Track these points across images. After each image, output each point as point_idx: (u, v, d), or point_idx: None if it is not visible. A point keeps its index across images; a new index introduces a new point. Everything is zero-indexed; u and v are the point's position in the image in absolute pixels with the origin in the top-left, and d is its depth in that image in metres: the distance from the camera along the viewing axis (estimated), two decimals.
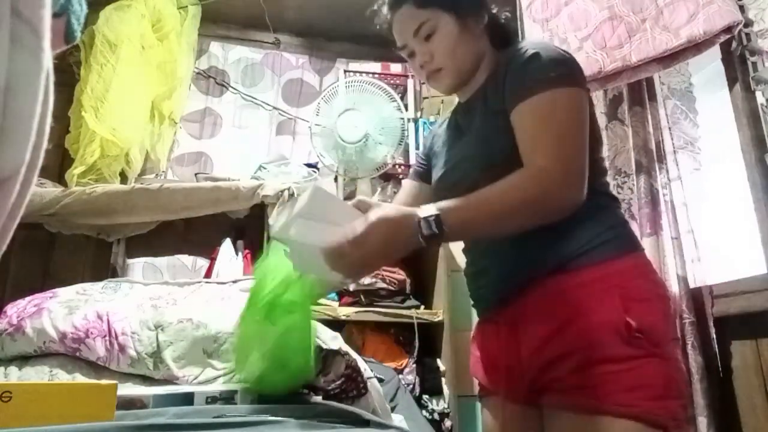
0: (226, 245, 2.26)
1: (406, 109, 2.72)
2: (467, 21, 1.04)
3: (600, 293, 0.89)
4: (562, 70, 0.92)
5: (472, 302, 1.12)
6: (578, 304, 0.89)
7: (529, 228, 0.89)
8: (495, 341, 1.03)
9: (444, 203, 0.86)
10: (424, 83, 2.82)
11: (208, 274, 2.21)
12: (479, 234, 0.94)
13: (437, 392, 2.20)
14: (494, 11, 1.10)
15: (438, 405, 2.15)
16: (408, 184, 1.24)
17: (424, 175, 1.21)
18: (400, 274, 2.34)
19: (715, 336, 1.62)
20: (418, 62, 1.07)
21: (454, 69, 1.05)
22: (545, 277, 0.93)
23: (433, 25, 1.02)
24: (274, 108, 2.97)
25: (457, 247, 2.41)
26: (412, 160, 2.54)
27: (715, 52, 1.71)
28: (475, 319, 1.15)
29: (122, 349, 1.52)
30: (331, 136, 2.46)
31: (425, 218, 0.83)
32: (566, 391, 0.88)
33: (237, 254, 2.27)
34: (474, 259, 1.09)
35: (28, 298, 1.66)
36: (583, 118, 0.92)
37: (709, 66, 1.86)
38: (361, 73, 2.69)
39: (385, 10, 1.13)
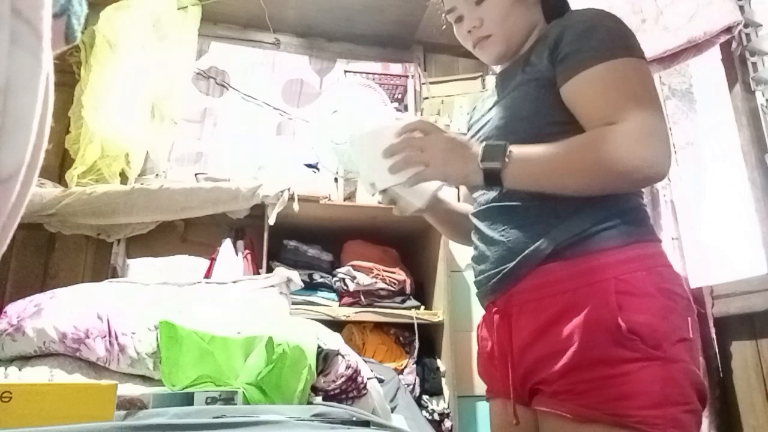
0: (226, 245, 2.26)
1: (406, 109, 2.73)
2: None
3: (593, 286, 0.81)
4: (628, 40, 0.88)
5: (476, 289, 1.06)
6: (570, 297, 0.82)
7: (595, 192, 0.83)
8: (491, 332, 0.97)
9: (513, 145, 0.85)
10: (424, 83, 2.84)
11: (208, 275, 2.21)
12: (541, 183, 0.85)
13: (437, 392, 2.20)
14: None
15: (438, 405, 2.15)
16: None
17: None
18: (400, 275, 2.34)
19: (715, 336, 1.62)
20: (465, 27, 1.02)
21: (504, 37, 1.00)
22: (539, 264, 0.86)
23: None
24: (274, 108, 2.97)
25: (457, 248, 2.41)
26: None
27: (715, 53, 1.71)
28: (476, 319, 1.14)
29: (122, 349, 1.52)
30: (325, 137, 2.46)
31: (491, 145, 0.84)
32: (556, 396, 0.81)
33: (237, 254, 2.27)
34: (475, 243, 1.03)
35: (28, 298, 1.66)
36: (652, 83, 0.87)
37: (709, 66, 1.86)
38: (361, 73, 2.69)
39: None
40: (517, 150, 0.83)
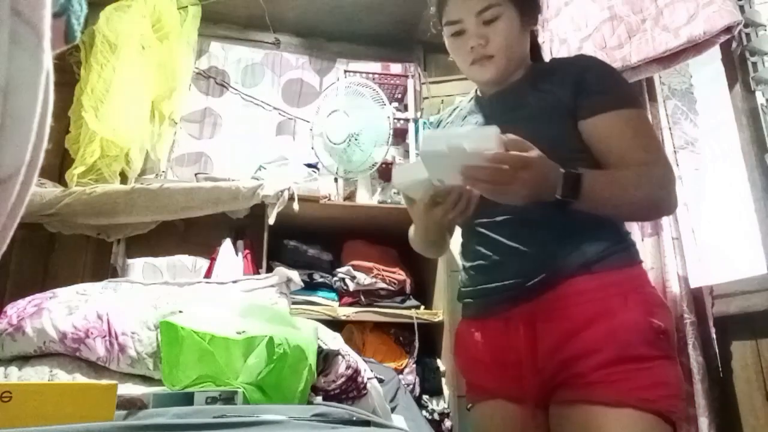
0: (226, 245, 2.26)
1: (406, 109, 2.73)
2: (526, 21, 1.07)
3: (623, 295, 0.94)
4: (633, 92, 1.03)
5: (467, 297, 1.10)
6: (602, 303, 0.93)
7: (625, 219, 1.04)
8: (504, 338, 1.01)
9: (583, 169, 0.92)
10: (424, 83, 2.84)
11: (208, 274, 2.21)
12: (602, 208, 0.95)
13: (437, 392, 2.20)
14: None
15: (438, 405, 2.15)
16: None
17: None
18: (400, 274, 2.34)
19: (715, 336, 1.62)
20: (469, 43, 1.05)
21: (505, 61, 1.05)
22: (568, 277, 0.95)
23: (498, 12, 1.03)
24: (274, 108, 2.97)
25: (456, 247, 2.41)
26: (412, 160, 2.53)
27: (715, 53, 1.71)
28: None
29: (122, 349, 1.52)
30: (321, 137, 2.46)
31: (570, 177, 0.90)
32: (589, 385, 0.90)
33: (237, 254, 2.27)
34: (484, 253, 1.05)
35: (28, 298, 1.66)
36: None
37: (709, 66, 1.86)
38: (361, 73, 2.69)
39: None
40: (587, 181, 0.91)
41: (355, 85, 2.51)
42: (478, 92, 1.18)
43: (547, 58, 2.02)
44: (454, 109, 1.24)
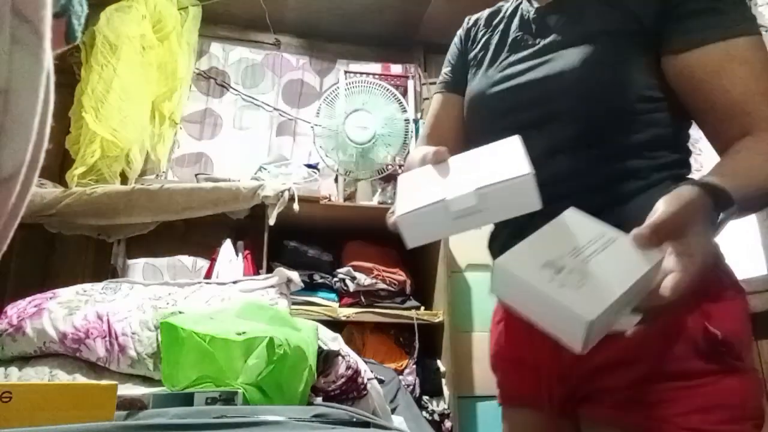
0: (227, 246, 2.26)
1: (405, 110, 2.73)
2: None
3: None
4: (749, 10, 0.72)
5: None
6: None
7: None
8: (527, 341, 0.82)
9: (713, 179, 0.63)
10: (425, 84, 2.83)
11: (208, 275, 2.21)
12: (742, 214, 0.67)
13: (437, 393, 2.20)
14: None
15: (438, 406, 2.15)
16: (442, 101, 0.95)
17: (458, 84, 0.93)
18: (400, 275, 2.34)
19: None
20: None
21: None
22: None
23: None
24: (275, 109, 2.97)
25: (457, 248, 2.41)
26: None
27: None
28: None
29: (122, 349, 1.52)
30: (333, 137, 2.46)
31: (720, 198, 0.60)
32: (619, 405, 0.71)
33: (237, 255, 2.27)
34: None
35: (28, 299, 1.66)
36: None
37: None
38: (361, 74, 2.69)
39: None
40: (733, 191, 0.61)
41: (371, 85, 2.53)
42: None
43: None
44: (493, 12, 0.93)
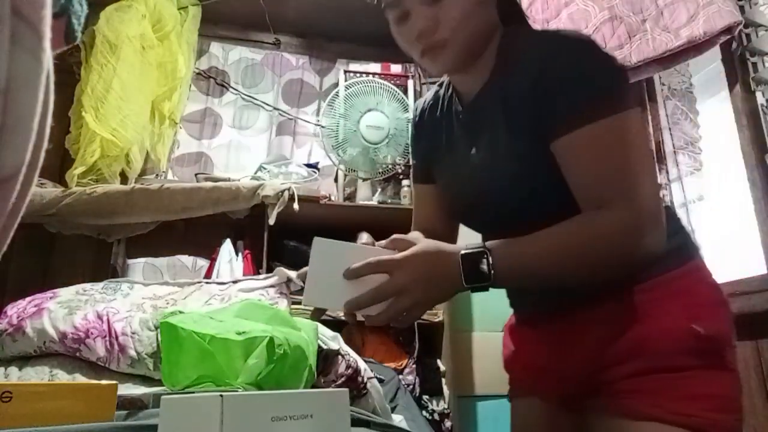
0: (227, 245, 2.26)
1: (406, 110, 2.73)
2: None
3: (661, 299, 0.80)
4: (620, 87, 0.76)
5: (509, 300, 1.02)
6: (639, 309, 0.81)
7: (596, 279, 0.79)
8: (536, 345, 0.94)
9: (494, 243, 0.74)
10: (424, 84, 2.84)
11: (208, 275, 2.21)
12: (533, 282, 0.80)
13: (437, 392, 2.20)
14: None
15: (438, 405, 2.15)
16: (423, 191, 1.06)
17: (426, 176, 1.04)
18: None
19: None
20: (415, 28, 0.83)
21: (463, 44, 0.82)
22: (608, 291, 0.83)
23: None
24: (275, 108, 2.97)
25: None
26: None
27: (715, 53, 1.71)
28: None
29: (122, 349, 1.52)
30: (341, 135, 2.47)
31: (468, 255, 0.73)
32: (618, 395, 0.80)
33: (237, 254, 2.27)
34: None
35: (28, 298, 1.66)
36: (647, 144, 0.81)
37: (709, 66, 1.86)
38: (361, 73, 2.69)
39: None
40: (501, 260, 0.73)
41: (379, 85, 2.54)
42: (456, 90, 0.95)
43: None
44: (434, 100, 1.02)
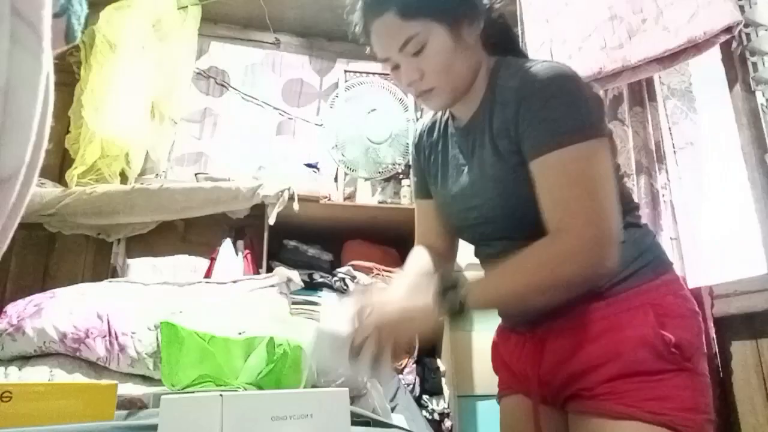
0: (226, 245, 2.26)
1: (406, 110, 2.73)
2: (461, 30, 0.90)
3: (632, 309, 0.87)
4: (588, 117, 0.84)
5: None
6: (609, 321, 0.88)
7: (548, 303, 0.88)
8: (518, 350, 1.01)
9: (464, 278, 0.86)
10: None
11: (208, 275, 2.21)
12: (504, 306, 0.95)
13: (437, 392, 2.20)
14: (488, 5, 0.95)
15: (438, 405, 2.15)
16: (423, 207, 1.14)
17: (426, 193, 1.12)
18: None
19: (715, 336, 1.62)
20: (404, 79, 0.93)
21: (449, 88, 0.92)
22: (579, 304, 0.89)
23: (422, 39, 0.88)
24: (275, 108, 2.97)
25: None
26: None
27: (715, 52, 1.71)
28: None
29: (122, 349, 1.52)
30: (344, 134, 2.47)
31: (444, 297, 0.84)
32: (597, 397, 0.87)
33: (237, 254, 2.27)
34: None
35: (28, 298, 1.66)
36: (611, 173, 0.85)
37: (709, 66, 1.86)
38: (361, 73, 2.69)
39: (358, 15, 0.97)
40: (472, 294, 0.85)
41: (381, 85, 2.54)
42: (451, 113, 1.05)
43: (547, 57, 2.02)
44: (435, 123, 1.11)
